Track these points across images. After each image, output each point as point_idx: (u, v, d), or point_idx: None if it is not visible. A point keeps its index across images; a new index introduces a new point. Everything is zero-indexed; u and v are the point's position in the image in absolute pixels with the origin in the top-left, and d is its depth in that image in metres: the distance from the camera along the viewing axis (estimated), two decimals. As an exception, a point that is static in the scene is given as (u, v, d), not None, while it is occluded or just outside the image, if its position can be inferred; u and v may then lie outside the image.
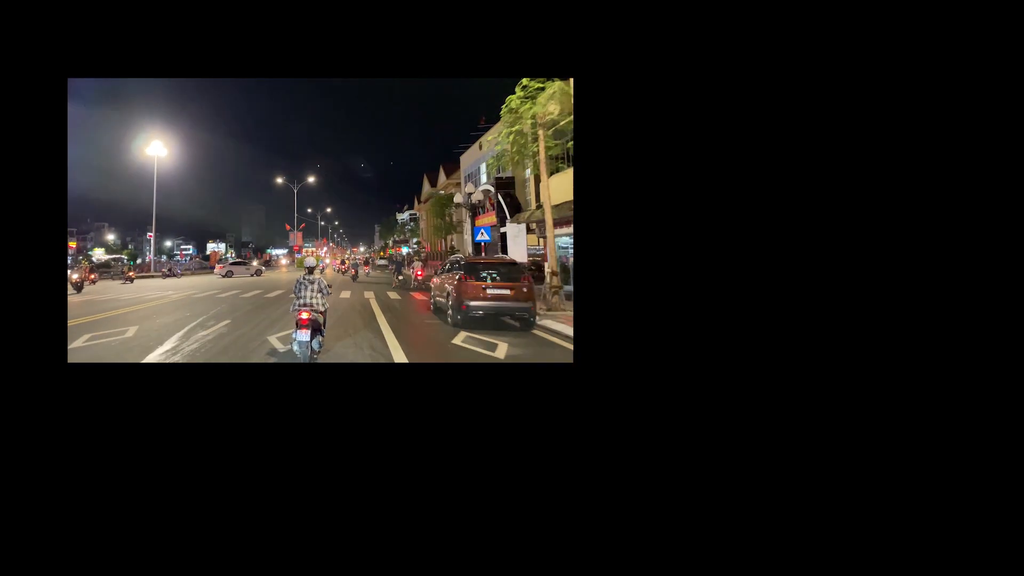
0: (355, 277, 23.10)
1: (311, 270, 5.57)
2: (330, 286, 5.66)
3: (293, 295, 5.47)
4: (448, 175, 43.81)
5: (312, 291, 5.37)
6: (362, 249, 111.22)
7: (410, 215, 76.37)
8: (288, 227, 53.48)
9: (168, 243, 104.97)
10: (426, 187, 56.29)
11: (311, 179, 50.26)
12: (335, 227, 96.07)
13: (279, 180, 49.78)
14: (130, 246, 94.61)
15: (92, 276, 19.38)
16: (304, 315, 5.15)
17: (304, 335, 5.11)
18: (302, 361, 5.18)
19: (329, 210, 74.85)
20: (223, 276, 27.45)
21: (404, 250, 49.11)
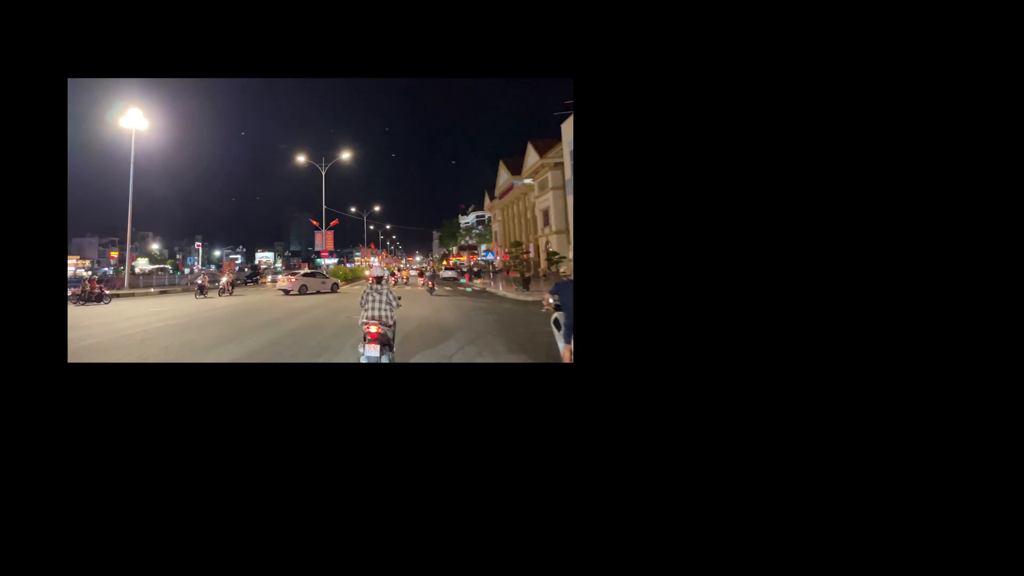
0: (432, 289, 20.50)
1: (379, 280, 5.24)
2: (399, 298, 5.25)
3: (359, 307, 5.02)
4: (542, 153, 33.69)
5: (380, 303, 4.98)
6: (418, 259, 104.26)
7: (477, 217, 67.13)
8: (315, 223, 37.00)
9: (217, 252, 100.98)
10: (502, 177, 47.01)
11: (345, 156, 34.44)
12: (387, 232, 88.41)
13: (301, 159, 33.66)
14: (178, 255, 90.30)
15: (94, 288, 15.92)
16: (372, 328, 4.80)
17: (373, 351, 4.74)
18: None
19: (377, 208, 65.59)
20: (292, 293, 19.76)
21: (488, 256, 40.01)
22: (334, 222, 37.26)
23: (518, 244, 28.25)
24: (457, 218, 68.63)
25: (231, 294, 19.78)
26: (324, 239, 35.77)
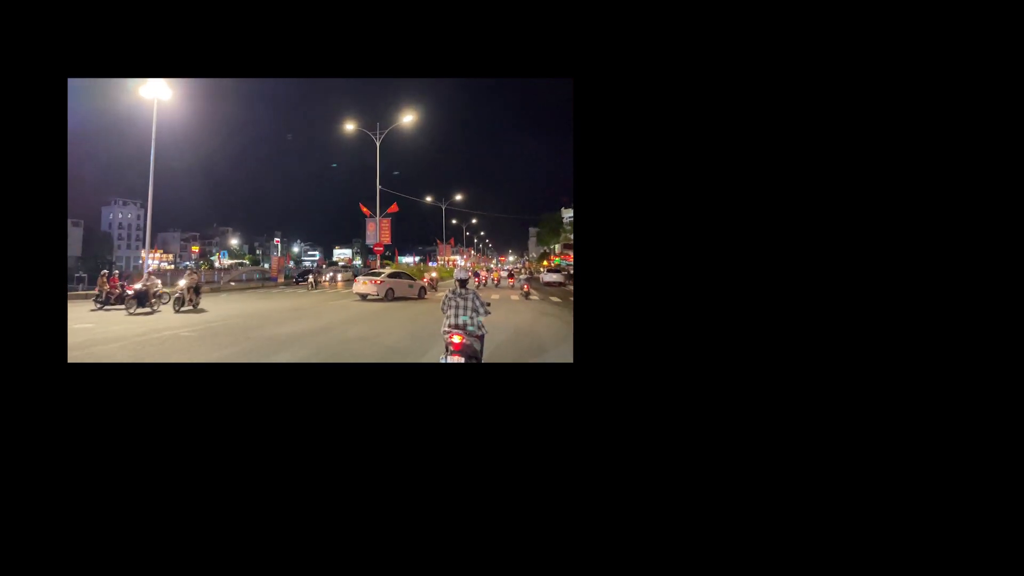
0: (528, 294, 18.16)
1: (463, 283, 4.40)
2: (488, 304, 4.47)
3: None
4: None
5: (465, 309, 4.22)
6: (511, 259, 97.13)
7: None
8: (365, 211, 25.12)
9: (296, 248, 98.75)
10: None
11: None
12: (474, 228, 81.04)
13: (350, 127, 24.62)
14: (258, 251, 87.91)
15: (114, 287, 11.79)
16: (456, 338, 4.10)
17: (456, 361, 4.07)
18: None
19: (475, 221, 57.81)
20: (378, 298, 15.34)
21: None
22: (393, 207, 25.64)
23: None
24: (559, 212, 60.11)
25: (193, 307, 11.75)
26: (378, 230, 24.46)
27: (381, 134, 24.05)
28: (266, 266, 37.31)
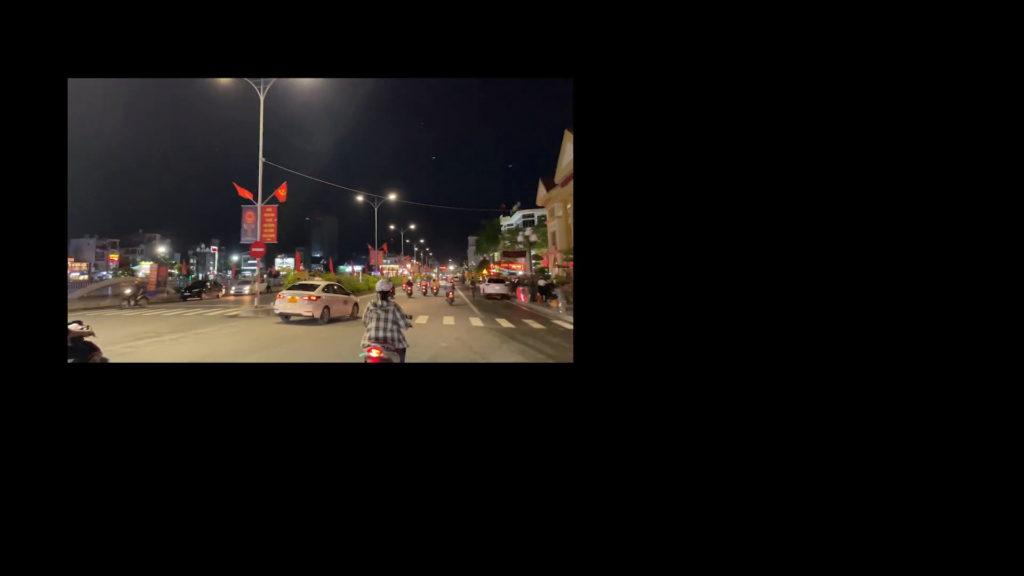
0: (452, 300, 19.91)
1: (384, 295, 4.34)
2: (410, 316, 4.46)
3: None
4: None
5: (386, 322, 4.21)
6: (451, 268, 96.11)
7: (524, 217, 57.38)
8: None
9: (235, 257, 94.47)
10: (566, 157, 34.07)
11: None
12: (419, 243, 79.13)
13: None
14: (192, 260, 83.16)
15: None
16: (374, 353, 4.09)
17: None
18: None
19: (413, 227, 57.76)
20: (306, 318, 11.94)
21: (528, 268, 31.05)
22: (281, 189, 16.96)
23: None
24: (498, 219, 59.03)
25: None
26: (258, 222, 16.46)
27: (266, 86, 15.59)
28: (142, 275, 33.75)
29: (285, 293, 12.27)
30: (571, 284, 14.99)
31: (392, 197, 35.90)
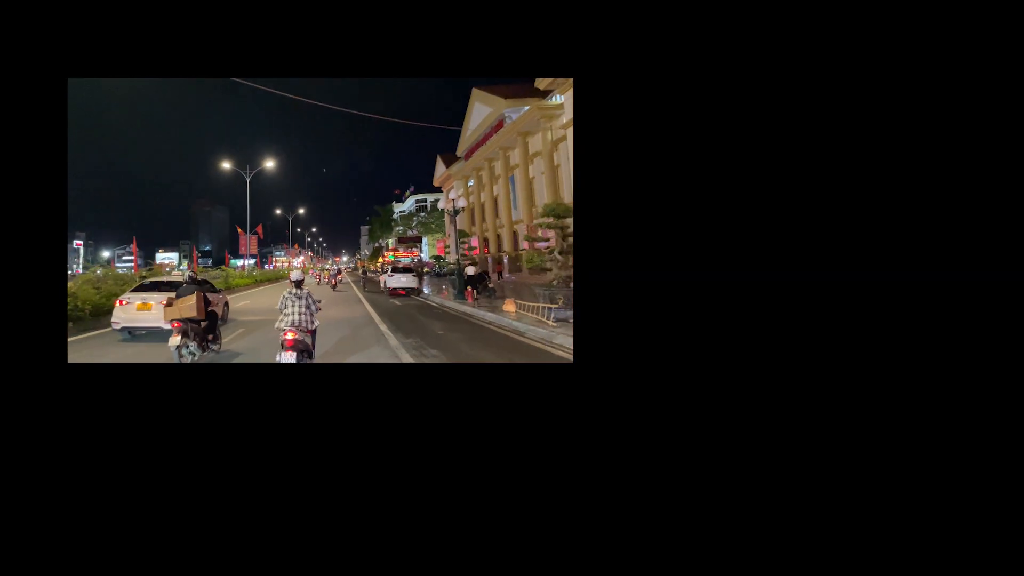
0: (335, 287, 22.28)
1: (298, 284, 4.99)
2: (319, 302, 5.18)
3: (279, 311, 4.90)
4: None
5: (299, 308, 4.83)
6: (345, 259, 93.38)
7: (417, 202, 56.50)
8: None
9: (106, 253, 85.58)
10: (479, 114, 31.36)
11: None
12: (313, 234, 75.08)
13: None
14: (110, 261, 74.50)
15: None
16: (289, 335, 4.69)
17: (289, 358, 4.64)
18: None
19: (302, 211, 54.66)
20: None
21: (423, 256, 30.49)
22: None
23: (558, 210, 11.05)
24: (390, 205, 57.96)
25: None
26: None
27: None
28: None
29: (130, 298, 8.16)
30: (542, 267, 11.59)
31: (269, 164, 29.16)
